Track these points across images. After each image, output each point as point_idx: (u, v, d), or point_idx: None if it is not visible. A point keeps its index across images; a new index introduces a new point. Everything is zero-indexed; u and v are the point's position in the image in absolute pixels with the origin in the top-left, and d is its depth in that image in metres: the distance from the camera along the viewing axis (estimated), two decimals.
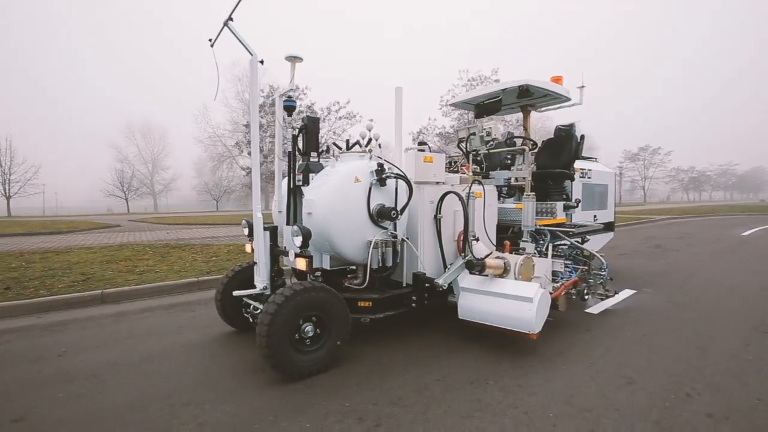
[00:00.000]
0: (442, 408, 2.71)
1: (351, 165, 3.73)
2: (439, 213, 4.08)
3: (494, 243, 4.66)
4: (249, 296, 3.76)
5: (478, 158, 5.56)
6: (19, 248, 10.04)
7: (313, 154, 3.94)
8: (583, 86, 5.73)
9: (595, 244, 6.64)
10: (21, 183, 38.73)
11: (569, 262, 4.60)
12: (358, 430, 2.47)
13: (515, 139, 5.59)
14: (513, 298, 3.53)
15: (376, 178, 3.66)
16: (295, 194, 3.84)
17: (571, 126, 5.80)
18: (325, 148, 4.49)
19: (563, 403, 2.74)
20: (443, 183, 4.23)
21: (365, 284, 3.77)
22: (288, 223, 3.80)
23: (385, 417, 2.61)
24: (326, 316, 3.28)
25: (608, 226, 7.28)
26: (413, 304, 3.89)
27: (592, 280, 4.69)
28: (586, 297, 4.40)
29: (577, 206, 5.71)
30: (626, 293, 5.67)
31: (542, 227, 4.81)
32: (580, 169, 6.31)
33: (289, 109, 3.80)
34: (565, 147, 5.65)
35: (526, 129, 5.93)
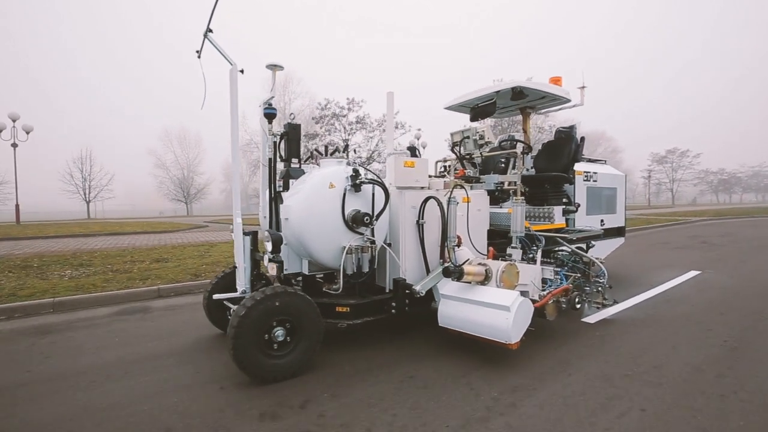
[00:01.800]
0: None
1: (327, 171, 3.45)
2: (422, 218, 3.73)
3: (483, 249, 4.23)
4: (230, 300, 3.56)
5: (473, 162, 5.15)
6: (164, 244, 10.69)
7: (294, 160, 3.72)
8: (584, 87, 5.17)
9: (602, 250, 5.99)
10: (98, 189, 41.67)
11: (560, 269, 4.09)
12: None
13: (513, 143, 5.12)
14: (490, 306, 3.12)
15: (350, 183, 3.37)
16: (275, 200, 3.63)
17: (572, 128, 5.25)
18: (308, 154, 4.25)
19: (686, 319, 4.20)
20: (427, 188, 3.88)
21: (341, 290, 3.48)
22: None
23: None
24: (297, 321, 3.02)
25: (618, 231, 6.57)
26: (393, 311, 3.56)
27: (588, 288, 4.14)
28: (578, 305, 3.87)
29: (577, 210, 5.15)
30: (693, 273, 6.71)
31: (536, 233, 4.33)
32: (584, 172, 5.71)
33: (269, 116, 3.58)
34: (564, 150, 5.12)
35: (525, 132, 5.43)
